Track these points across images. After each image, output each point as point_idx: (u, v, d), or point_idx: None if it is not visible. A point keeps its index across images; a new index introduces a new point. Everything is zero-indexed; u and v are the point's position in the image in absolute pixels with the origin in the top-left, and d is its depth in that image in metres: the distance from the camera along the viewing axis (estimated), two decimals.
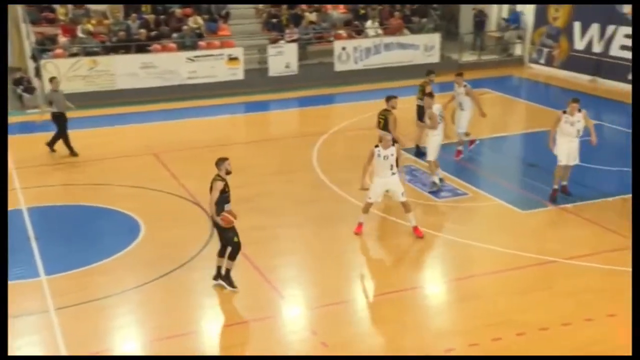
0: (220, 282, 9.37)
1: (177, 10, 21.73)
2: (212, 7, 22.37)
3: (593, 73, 20.86)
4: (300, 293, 9.54)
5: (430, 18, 23.90)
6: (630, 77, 19.55)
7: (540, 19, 22.82)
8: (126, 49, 20.27)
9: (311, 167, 14.07)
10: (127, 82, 19.75)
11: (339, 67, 21.79)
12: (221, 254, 9.35)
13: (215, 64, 20.60)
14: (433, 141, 12.61)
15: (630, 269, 9.36)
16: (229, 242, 9.13)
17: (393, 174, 10.62)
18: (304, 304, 9.25)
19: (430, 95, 12.80)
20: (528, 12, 23.36)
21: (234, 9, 22.78)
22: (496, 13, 25.20)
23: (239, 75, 20.86)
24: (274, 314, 8.97)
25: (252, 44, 21.82)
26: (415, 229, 10.78)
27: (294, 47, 21.43)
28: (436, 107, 12.59)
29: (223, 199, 8.98)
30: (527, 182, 13.06)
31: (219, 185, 8.93)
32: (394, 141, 11.02)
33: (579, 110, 11.56)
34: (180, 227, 11.38)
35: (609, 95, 19.21)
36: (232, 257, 9.17)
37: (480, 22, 24.20)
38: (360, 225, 10.91)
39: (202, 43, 21.07)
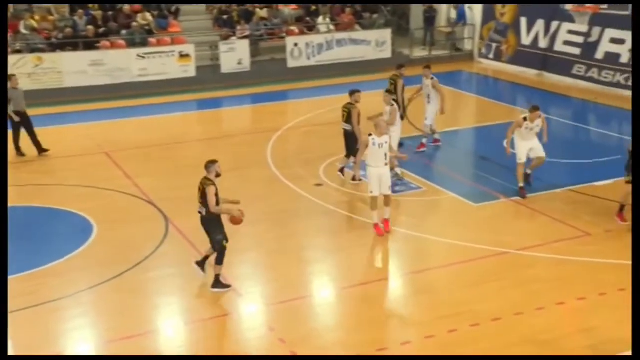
0: (197, 269, 9.34)
1: (126, 7, 21.35)
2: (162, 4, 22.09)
3: (540, 68, 21.37)
4: (257, 290, 9.53)
5: (381, 14, 24.09)
6: (574, 71, 20.17)
7: (488, 15, 23.24)
8: (73, 46, 19.83)
9: (266, 163, 14.05)
10: (75, 80, 19.33)
11: (291, 63, 21.78)
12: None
13: (166, 61, 20.34)
14: (394, 137, 12.78)
15: (578, 259, 9.69)
16: (218, 245, 9.04)
17: (386, 164, 10.56)
18: (261, 300, 9.25)
19: (389, 92, 13.02)
20: (476, 8, 23.75)
21: (184, 5, 22.51)
22: (446, 9, 25.56)
23: (191, 72, 20.65)
24: (231, 311, 8.94)
25: (204, 40, 21.63)
26: (386, 222, 10.78)
27: (245, 43, 21.32)
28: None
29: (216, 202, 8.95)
30: (479, 176, 13.32)
31: (213, 189, 8.88)
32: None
33: (539, 116, 11.78)
34: (134, 227, 11.23)
35: (555, 89, 19.71)
36: (219, 261, 9.09)
37: (430, 18, 24.50)
38: (376, 225, 10.72)
39: (152, 40, 20.79)
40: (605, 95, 18.72)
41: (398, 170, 12.99)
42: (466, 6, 24.08)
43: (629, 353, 7.58)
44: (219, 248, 9.06)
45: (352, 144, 12.55)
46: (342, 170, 12.94)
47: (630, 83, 18.57)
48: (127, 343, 8.12)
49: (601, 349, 7.78)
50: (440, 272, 9.85)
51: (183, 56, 20.54)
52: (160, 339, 8.43)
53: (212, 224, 9.03)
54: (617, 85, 18.92)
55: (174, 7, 22.12)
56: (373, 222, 10.81)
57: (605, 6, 18.38)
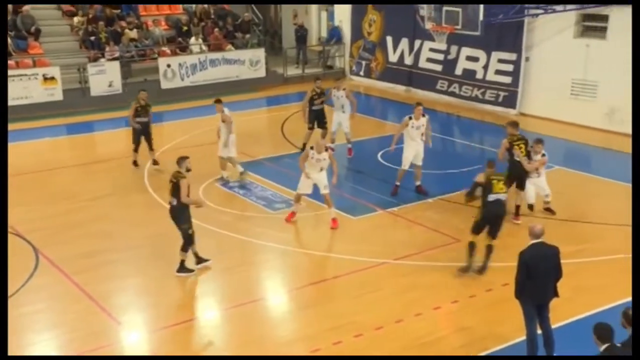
0: (201, 265, 10.24)
1: None
2: (19, 24, 20.91)
3: (407, 83, 22.37)
4: (139, 317, 9.26)
5: (253, 34, 24.27)
6: (438, 87, 21.29)
7: (357, 34, 24.04)
8: None
9: (143, 187, 13.69)
10: None
11: (165, 84, 21.38)
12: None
13: (28, 84, 19.33)
14: (233, 138, 13.61)
15: (450, 264, 10.19)
16: (185, 232, 9.97)
17: (321, 171, 11.57)
18: (143, 328, 9.00)
19: (219, 101, 13.78)
20: (345, 27, 24.49)
21: (45, 25, 21.51)
22: (316, 27, 26.18)
23: (58, 95, 19.75)
24: (112, 342, 8.60)
25: (70, 62, 20.72)
26: (333, 220, 11.70)
27: (116, 65, 20.70)
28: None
29: None
30: (355, 189, 13.69)
31: (186, 182, 9.79)
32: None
33: (423, 115, 12.66)
34: None
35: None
36: (185, 248, 10.02)
37: (301, 37, 24.97)
38: (292, 213, 11.93)
39: (11, 62, 19.63)
40: (466, 108, 19.91)
41: (225, 173, 13.83)
42: (336, 23, 24.78)
43: (501, 347, 8.13)
44: (187, 236, 9.95)
45: None
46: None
47: (487, 97, 19.90)
48: None
49: (476, 346, 8.24)
50: (323, 285, 10.02)
51: (48, 79, 19.62)
52: None
53: (180, 213, 9.91)
54: (475, 99, 20.19)
55: (33, 28, 21.06)
56: (290, 211, 11.94)
57: (459, 26, 19.58)
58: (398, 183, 12.93)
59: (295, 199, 11.92)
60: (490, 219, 9.70)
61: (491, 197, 9.65)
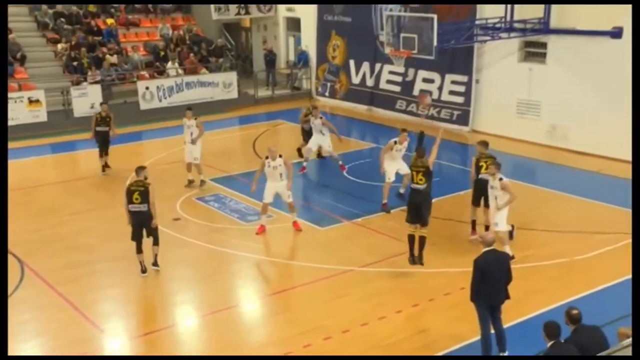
0: (153, 268, 10.25)
1: None
2: None
3: (369, 103, 22.51)
4: (121, 325, 9.09)
5: (226, 58, 24.21)
6: (397, 106, 21.47)
7: (322, 57, 24.15)
8: None
9: (123, 201, 13.43)
10: None
11: (144, 105, 21.18)
12: (139, 250, 10.18)
13: (15, 107, 18.91)
14: (200, 148, 14.09)
15: (410, 270, 10.22)
16: (156, 232, 10.21)
17: (282, 180, 11.53)
18: (125, 335, 8.83)
19: (190, 108, 14.44)
20: (311, 51, 24.57)
21: (30, 52, 21.16)
22: (284, 52, 26.23)
23: (42, 117, 19.41)
24: (95, 349, 8.44)
25: (54, 86, 20.39)
26: (295, 223, 11.84)
27: (97, 88, 20.44)
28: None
29: None
30: (323, 202, 13.69)
31: (153, 187, 10.07)
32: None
33: (406, 139, 12.80)
34: None
35: (382, 122, 20.83)
36: (157, 242, 10.26)
37: (271, 61, 24.98)
38: (262, 226, 11.78)
39: None
40: (423, 126, 20.06)
41: (202, 177, 13.97)
42: (303, 48, 24.86)
43: (458, 346, 8.18)
44: (157, 234, 10.19)
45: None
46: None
47: (442, 116, 20.13)
48: None
49: (435, 346, 8.27)
50: (293, 292, 9.97)
51: (33, 102, 19.29)
52: None
53: (150, 216, 10.03)
54: (432, 117, 20.39)
55: (19, 54, 20.70)
56: (261, 223, 11.80)
57: (415, 51, 19.80)
58: (385, 201, 12.75)
59: (262, 209, 11.82)
60: (409, 206, 10.09)
61: (412, 186, 10.11)
